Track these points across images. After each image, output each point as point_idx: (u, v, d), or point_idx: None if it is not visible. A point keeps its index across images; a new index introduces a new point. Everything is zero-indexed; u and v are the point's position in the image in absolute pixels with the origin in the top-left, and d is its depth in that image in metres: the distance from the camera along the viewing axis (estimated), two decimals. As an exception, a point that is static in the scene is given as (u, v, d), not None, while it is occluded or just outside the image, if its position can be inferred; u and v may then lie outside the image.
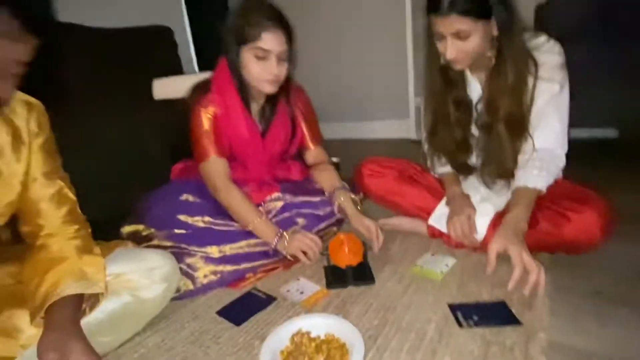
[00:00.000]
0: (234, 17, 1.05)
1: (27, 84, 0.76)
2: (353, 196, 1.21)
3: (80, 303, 0.72)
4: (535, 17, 2.00)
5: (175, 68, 2.17)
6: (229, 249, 1.05)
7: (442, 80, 1.06)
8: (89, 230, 0.83)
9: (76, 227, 0.79)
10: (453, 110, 1.08)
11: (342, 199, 1.19)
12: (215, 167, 1.10)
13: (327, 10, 2.96)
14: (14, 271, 0.78)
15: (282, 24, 1.04)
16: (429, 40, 1.00)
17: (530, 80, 0.95)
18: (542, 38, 0.96)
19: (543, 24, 1.97)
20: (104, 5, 2.16)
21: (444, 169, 1.18)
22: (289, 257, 1.07)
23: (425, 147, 1.19)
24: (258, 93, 1.13)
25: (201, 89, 1.13)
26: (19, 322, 0.69)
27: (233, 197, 1.09)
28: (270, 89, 1.09)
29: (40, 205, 0.76)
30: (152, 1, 2.48)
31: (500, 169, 1.03)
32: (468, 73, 1.06)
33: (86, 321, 0.76)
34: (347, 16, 2.90)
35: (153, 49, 2.04)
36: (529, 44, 0.95)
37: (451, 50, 0.93)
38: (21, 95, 0.75)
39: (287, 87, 1.16)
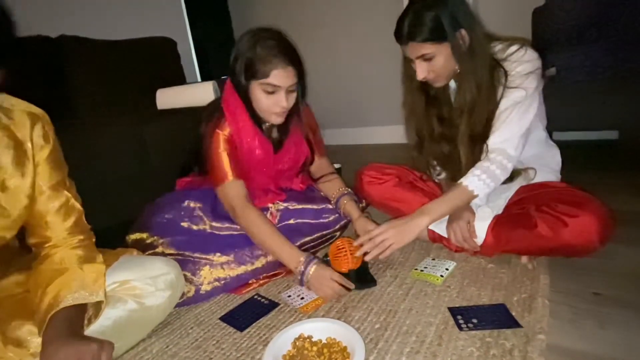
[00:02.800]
0: (243, 48, 1.02)
1: (34, 95, 0.78)
2: (357, 201, 1.23)
3: (82, 312, 0.73)
4: (532, 20, 2.02)
5: (178, 78, 2.21)
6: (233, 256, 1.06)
7: (424, 98, 1.10)
8: (93, 239, 0.84)
9: (81, 237, 0.80)
10: (437, 126, 1.10)
11: (345, 202, 1.20)
12: (233, 190, 1.08)
13: (326, 16, 3.00)
14: (22, 280, 0.79)
15: (292, 59, 1.02)
16: (405, 61, 1.05)
17: (500, 91, 0.97)
18: (513, 47, 0.97)
19: (540, 27, 2.00)
20: (108, 18, 2.21)
21: (441, 175, 1.21)
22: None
23: (416, 160, 1.21)
24: None
25: (213, 112, 1.12)
26: (28, 331, 0.70)
27: (252, 219, 1.06)
28: (277, 120, 1.09)
29: (47, 218, 0.76)
30: (155, 13, 2.53)
31: (458, 175, 1.03)
32: (452, 84, 1.08)
33: (92, 329, 0.77)
34: (346, 22, 2.93)
35: (156, 60, 2.08)
36: (501, 55, 0.97)
37: (421, 71, 0.98)
38: (24, 106, 0.74)
39: (298, 109, 1.15)
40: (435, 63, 0.96)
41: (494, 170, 0.97)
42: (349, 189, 1.27)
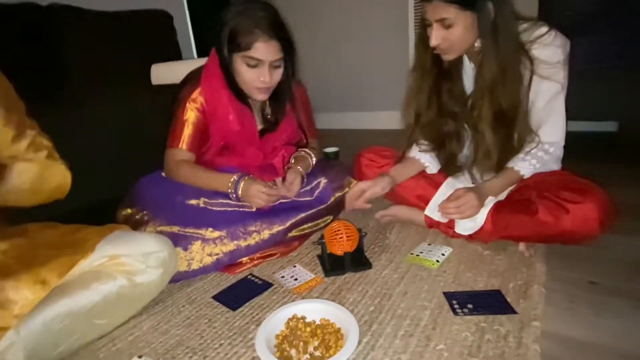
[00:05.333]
0: (230, 17, 1.01)
1: (27, 64, 0.74)
2: (307, 153, 1.24)
3: None
4: (539, 6, 1.97)
5: (173, 54, 2.14)
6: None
7: (436, 70, 1.06)
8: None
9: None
10: (447, 100, 1.07)
11: (296, 154, 1.23)
12: (179, 156, 1.11)
13: (330, 1, 2.93)
14: (5, 248, 0.77)
15: (277, 33, 1.00)
16: (421, 26, 1.00)
17: (527, 75, 0.94)
18: (543, 29, 0.94)
19: (546, 13, 1.95)
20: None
21: (417, 154, 1.17)
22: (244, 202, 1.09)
23: (407, 128, 1.17)
24: None
25: (192, 80, 1.12)
26: (10, 293, 0.69)
27: (184, 170, 1.10)
28: (260, 96, 1.08)
29: (18, 159, 0.73)
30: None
31: (486, 165, 1.05)
32: (467, 61, 1.05)
33: (82, 304, 0.76)
34: (350, 7, 2.87)
35: (152, 34, 2.01)
36: (527, 36, 0.94)
37: (436, 37, 0.94)
38: None
39: (288, 91, 1.15)
40: (453, 32, 0.92)
41: (547, 159, 1.01)
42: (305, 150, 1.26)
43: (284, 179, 1.16)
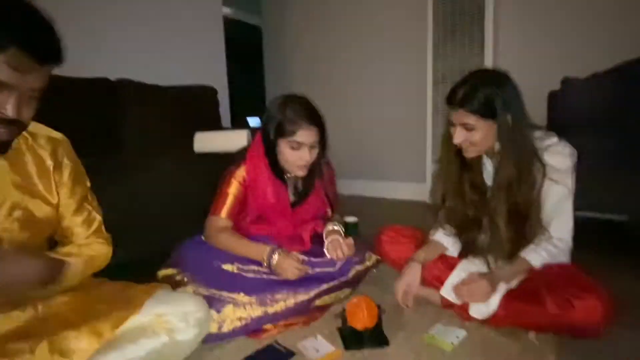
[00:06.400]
0: (275, 110, 1.23)
1: (90, 130, 0.93)
2: (337, 226, 1.37)
3: (52, 264, 0.81)
4: (548, 102, 2.15)
5: (215, 123, 2.39)
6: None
7: (459, 162, 1.19)
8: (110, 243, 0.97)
9: (100, 240, 0.94)
10: (469, 191, 1.19)
11: (325, 232, 1.35)
12: (219, 224, 1.27)
13: (354, 71, 3.23)
14: (67, 300, 0.88)
15: (316, 121, 1.23)
16: (448, 123, 1.16)
17: (539, 178, 1.07)
18: (554, 139, 1.08)
19: (555, 110, 2.12)
20: (157, 63, 2.44)
21: (441, 237, 1.28)
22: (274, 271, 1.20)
23: (434, 210, 1.29)
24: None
25: (238, 159, 1.31)
26: (71, 342, 0.77)
27: (222, 237, 1.24)
28: (300, 173, 1.28)
29: (73, 230, 0.90)
30: (199, 62, 2.79)
31: (499, 254, 1.14)
32: (486, 159, 1.19)
33: (128, 358, 0.84)
34: (372, 81, 3.15)
35: (199, 106, 2.27)
36: (540, 144, 1.08)
37: (458, 136, 1.09)
38: (46, 131, 0.88)
39: (320, 167, 1.34)
40: (474, 135, 1.06)
41: (555, 253, 1.09)
42: (336, 227, 1.38)
43: (311, 250, 1.27)
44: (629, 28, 2.16)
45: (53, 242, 0.93)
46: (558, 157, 1.06)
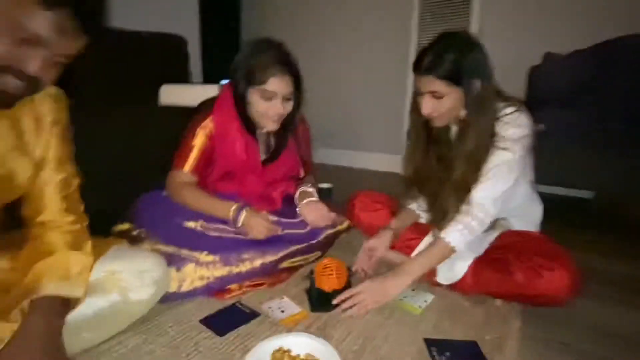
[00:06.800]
0: (246, 57, 1.12)
1: None
2: (310, 188, 1.30)
3: (65, 308, 0.72)
4: (528, 77, 2.14)
5: (183, 77, 2.22)
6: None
7: (427, 136, 1.13)
8: (85, 223, 0.84)
9: (72, 218, 0.81)
10: (435, 166, 1.13)
11: (298, 193, 1.29)
12: (182, 178, 1.17)
13: (333, 37, 3.11)
14: (9, 258, 0.78)
15: (290, 69, 1.12)
16: (415, 94, 1.09)
17: (491, 150, 1.02)
18: (509, 109, 1.01)
19: (534, 85, 2.12)
20: (123, 7, 2.22)
21: (414, 206, 1.26)
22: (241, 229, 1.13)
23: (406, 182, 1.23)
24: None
25: (205, 109, 1.20)
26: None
27: (185, 193, 1.15)
28: (273, 126, 1.17)
29: (46, 188, 0.78)
30: (170, 10, 2.56)
31: (442, 222, 1.08)
32: (454, 127, 1.13)
33: (71, 316, 0.77)
34: (353, 45, 3.05)
35: (166, 56, 2.09)
36: (499, 114, 1.02)
37: (427, 106, 1.02)
38: (51, 88, 0.78)
39: (294, 123, 1.24)
40: (443, 103, 1.00)
41: (474, 225, 1.02)
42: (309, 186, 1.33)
43: (281, 211, 1.21)
44: (612, 5, 2.15)
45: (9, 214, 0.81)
46: (509, 128, 1.00)
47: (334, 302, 1.01)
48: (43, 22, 0.57)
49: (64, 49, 0.61)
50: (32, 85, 0.62)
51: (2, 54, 0.56)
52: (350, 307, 0.99)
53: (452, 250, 1.03)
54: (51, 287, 0.70)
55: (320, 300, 1.04)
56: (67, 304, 0.73)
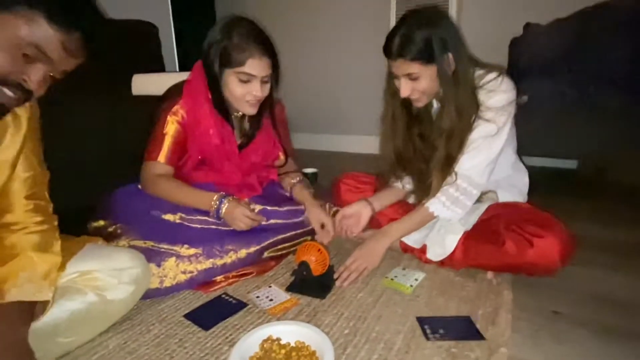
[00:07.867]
0: (220, 36, 1.03)
1: None
2: (309, 190, 1.27)
3: (30, 313, 0.69)
4: (509, 49, 2.12)
5: (156, 66, 2.13)
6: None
7: (407, 116, 1.11)
8: (55, 223, 0.79)
9: (40, 218, 0.76)
10: (418, 144, 1.11)
11: (297, 192, 1.26)
12: (157, 170, 1.10)
13: (313, 21, 3.02)
14: None
15: (268, 50, 1.04)
16: (389, 77, 1.06)
17: (476, 122, 1.00)
18: (490, 75, 0.99)
19: (516, 56, 2.10)
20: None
21: (399, 183, 1.23)
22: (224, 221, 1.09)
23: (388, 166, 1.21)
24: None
25: (174, 94, 1.12)
26: None
27: (162, 185, 1.09)
28: (250, 110, 1.10)
29: (12, 185, 0.73)
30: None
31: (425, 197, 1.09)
32: (435, 103, 1.10)
33: (44, 321, 0.72)
34: (333, 28, 2.96)
35: (136, 44, 1.99)
36: (478, 82, 1.00)
37: (405, 89, 0.99)
38: None
39: (271, 105, 1.18)
40: (420, 83, 0.97)
41: (458, 196, 1.02)
42: (300, 178, 1.31)
43: (266, 198, 1.17)
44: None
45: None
46: (494, 96, 0.98)
47: (335, 276, 1.04)
48: (52, 42, 0.59)
49: (65, 66, 0.63)
50: (25, 98, 0.62)
51: (6, 67, 0.57)
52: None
53: (431, 216, 1.06)
54: (14, 293, 0.65)
55: (297, 282, 1.03)
56: (34, 308, 0.68)
